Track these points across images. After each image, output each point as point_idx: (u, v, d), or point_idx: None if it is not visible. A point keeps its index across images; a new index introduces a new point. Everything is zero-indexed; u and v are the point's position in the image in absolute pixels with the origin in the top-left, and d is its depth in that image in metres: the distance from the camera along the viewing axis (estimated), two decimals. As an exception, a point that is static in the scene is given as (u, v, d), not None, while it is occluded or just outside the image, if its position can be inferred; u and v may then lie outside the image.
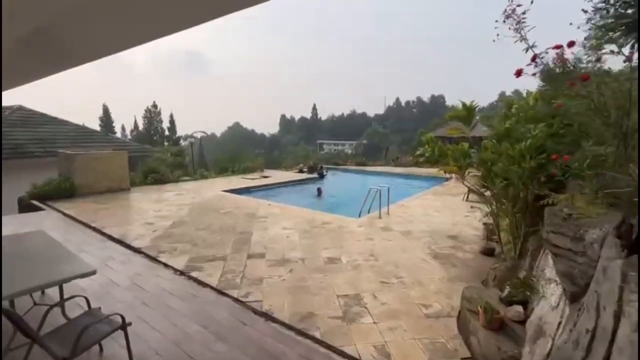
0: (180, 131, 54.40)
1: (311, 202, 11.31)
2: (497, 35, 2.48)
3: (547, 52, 2.37)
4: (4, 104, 16.65)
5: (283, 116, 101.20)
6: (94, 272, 2.77)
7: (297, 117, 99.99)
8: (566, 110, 2.72)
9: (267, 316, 3.52)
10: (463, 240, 6.18)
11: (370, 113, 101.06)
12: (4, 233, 4.22)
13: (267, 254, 5.31)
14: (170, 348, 2.93)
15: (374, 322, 3.40)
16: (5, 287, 2.38)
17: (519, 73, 2.46)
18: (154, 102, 56.84)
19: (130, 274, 4.51)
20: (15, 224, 6.87)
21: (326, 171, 18.65)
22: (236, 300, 3.86)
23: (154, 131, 54.22)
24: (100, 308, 2.73)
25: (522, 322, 2.84)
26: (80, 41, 6.34)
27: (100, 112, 55.25)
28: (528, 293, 3.02)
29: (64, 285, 3.09)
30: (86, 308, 2.79)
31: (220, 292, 4.04)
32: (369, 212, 8.42)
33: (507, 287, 3.32)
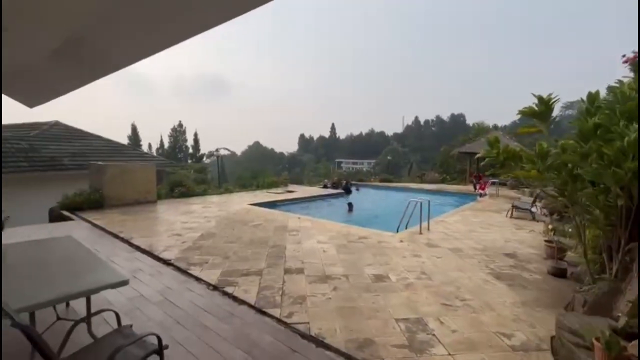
0: (204, 149, 55.81)
1: (341, 217, 10.77)
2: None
3: None
4: (43, 119, 17.41)
5: (302, 135, 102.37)
6: (126, 282, 2.36)
7: (315, 137, 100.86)
8: None
9: (318, 342, 2.98)
10: (523, 259, 5.45)
11: (389, 132, 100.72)
12: (32, 239, 3.95)
13: (305, 269, 4.80)
14: (210, 378, 2.44)
15: (449, 354, 2.79)
16: (25, 298, 2.00)
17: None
18: (180, 121, 58.94)
19: (160, 288, 4.10)
20: (45, 233, 6.71)
21: (357, 188, 18.15)
22: (279, 321, 3.34)
23: (178, 149, 55.87)
24: (131, 326, 2.29)
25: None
26: (107, 50, 6.35)
27: (129, 131, 57.55)
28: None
29: (91, 299, 2.71)
30: (115, 325, 2.37)
31: (260, 311, 3.54)
32: (406, 228, 7.81)
33: (622, 315, 2.65)
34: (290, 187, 16.82)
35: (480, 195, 14.55)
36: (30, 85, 8.69)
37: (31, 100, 10.96)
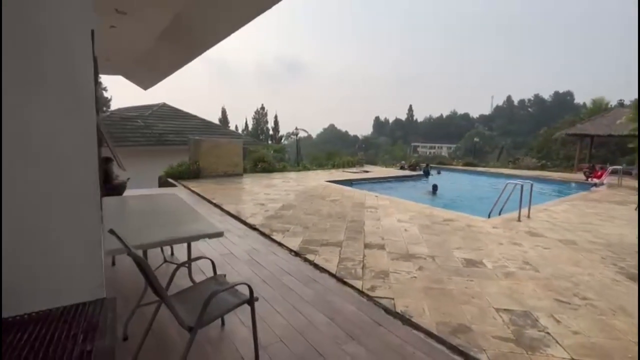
0: (282, 131, 58.59)
1: (421, 198, 10.12)
2: None
3: None
4: (154, 101, 20.20)
5: (377, 118, 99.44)
6: (221, 234, 2.47)
7: (391, 119, 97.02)
8: None
9: (405, 319, 2.75)
10: (668, 260, 4.29)
11: (474, 114, 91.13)
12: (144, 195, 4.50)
13: (386, 245, 4.56)
14: (295, 337, 2.44)
15: (573, 359, 2.29)
16: (140, 238, 2.20)
17: None
18: (262, 104, 62.56)
19: (247, 249, 4.33)
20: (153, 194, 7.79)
21: (438, 171, 16.97)
22: (361, 292, 3.21)
23: (260, 131, 59.67)
24: (225, 276, 2.39)
25: None
26: (203, 26, 6.81)
27: (219, 114, 63.42)
28: None
29: (190, 251, 2.94)
30: (210, 275, 2.51)
31: (341, 281, 3.45)
32: (500, 214, 6.90)
33: None
34: (366, 167, 16.50)
35: (596, 185, 12.12)
36: (144, 68, 9.97)
37: (145, 82, 12.64)
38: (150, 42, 7.34)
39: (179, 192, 8.80)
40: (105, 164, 6.28)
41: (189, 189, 9.04)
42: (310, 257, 4.05)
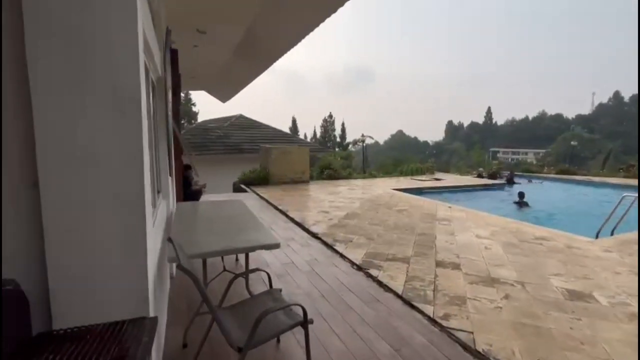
0: (349, 138, 58.90)
1: (504, 210, 8.91)
2: None
3: None
4: (230, 113, 22.02)
5: (450, 122, 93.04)
6: (277, 246, 2.35)
7: (466, 123, 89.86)
8: None
9: (488, 361, 2.27)
10: None
11: (569, 114, 79.10)
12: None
13: (462, 265, 3.99)
14: (354, 366, 2.17)
15: None
16: (200, 246, 2.20)
17: None
18: (330, 112, 63.77)
19: (308, 259, 4.21)
20: (226, 199, 8.29)
21: (528, 179, 15.01)
22: (432, 320, 2.79)
23: (328, 138, 60.74)
24: (281, 290, 2.25)
25: None
26: (272, 38, 7.06)
27: (289, 124, 66.45)
28: None
29: (252, 258, 2.90)
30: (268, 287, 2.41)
31: (409, 304, 3.07)
32: (612, 234, 5.63)
33: None
34: (437, 175, 15.35)
35: None
36: (222, 82, 10.87)
37: (223, 95, 13.79)
38: (226, 57, 7.93)
39: (249, 197, 9.24)
40: (185, 170, 6.88)
41: (258, 194, 9.44)
42: (373, 272, 3.73)
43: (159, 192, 3.13)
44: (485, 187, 12.95)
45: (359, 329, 2.63)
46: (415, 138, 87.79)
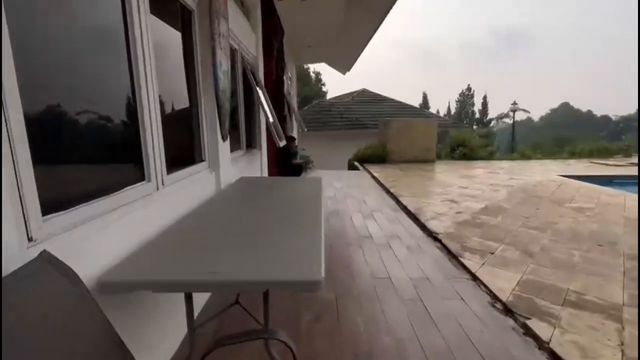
0: (492, 114, 49.94)
1: None
2: None
3: None
4: (354, 87, 21.11)
5: (653, 86, 66.23)
6: (318, 285, 1.05)
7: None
8: None
9: None
10: None
11: None
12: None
13: None
14: None
15: None
16: (192, 267, 1.15)
17: None
18: (469, 85, 55.36)
19: (415, 275, 2.74)
20: (334, 177, 7.39)
21: None
22: None
23: (464, 114, 53.14)
24: None
25: None
26: None
27: (420, 100, 61.16)
28: None
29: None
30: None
31: None
32: None
33: None
34: (634, 159, 10.46)
35: None
36: (337, 47, 9.85)
37: (342, 65, 12.83)
38: (336, 14, 6.85)
39: (360, 175, 8.11)
40: (287, 142, 6.24)
41: (371, 173, 8.18)
42: (538, 326, 1.99)
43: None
44: None
45: None
46: (589, 112, 67.22)
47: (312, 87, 31.79)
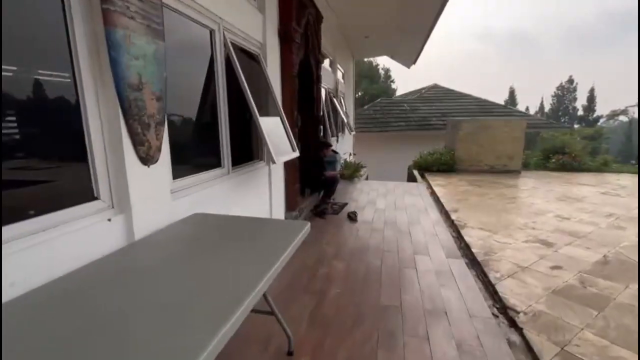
0: (600, 110, 41.37)
1: None
2: None
3: None
4: (424, 84, 18.96)
5: None
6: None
7: None
8: None
9: None
10: None
11: None
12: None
13: None
14: None
15: None
16: None
17: None
18: (570, 76, 46.97)
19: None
20: (382, 191, 6.08)
21: None
22: None
23: (562, 111, 45.13)
24: None
25: None
26: None
27: (505, 96, 53.88)
28: None
29: None
30: None
31: None
32: None
33: None
34: None
35: None
36: (397, 36, 8.42)
37: (406, 58, 11.23)
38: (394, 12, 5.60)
39: (416, 189, 6.59)
40: (321, 150, 5.18)
41: (431, 186, 6.64)
42: None
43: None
44: None
45: None
46: None
47: (380, 85, 30.01)
